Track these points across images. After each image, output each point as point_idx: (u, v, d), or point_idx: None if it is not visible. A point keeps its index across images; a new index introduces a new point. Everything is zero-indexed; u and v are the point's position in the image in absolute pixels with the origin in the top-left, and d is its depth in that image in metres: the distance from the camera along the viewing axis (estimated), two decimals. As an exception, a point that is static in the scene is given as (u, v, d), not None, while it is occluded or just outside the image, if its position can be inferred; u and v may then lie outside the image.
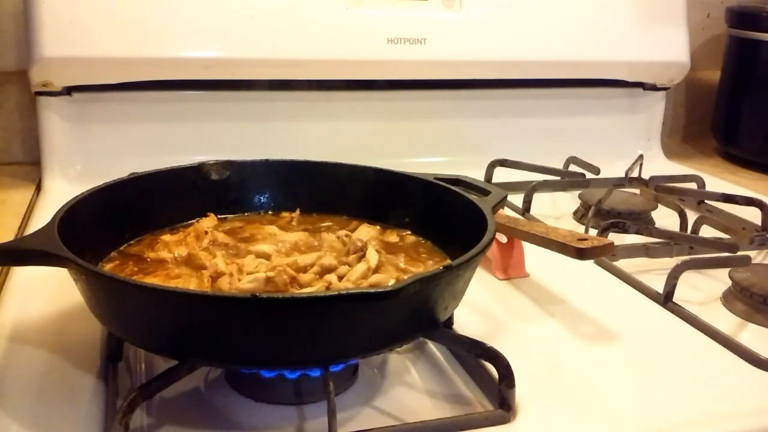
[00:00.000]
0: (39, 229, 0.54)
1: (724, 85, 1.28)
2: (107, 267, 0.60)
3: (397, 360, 0.60)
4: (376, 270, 0.57)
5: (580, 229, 0.84)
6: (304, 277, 0.56)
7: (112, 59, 0.90)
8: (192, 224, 0.67)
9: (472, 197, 0.64)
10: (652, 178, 1.03)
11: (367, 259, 0.58)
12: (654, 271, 0.76)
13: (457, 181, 0.68)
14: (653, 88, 1.19)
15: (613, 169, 1.05)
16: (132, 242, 0.64)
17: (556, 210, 0.96)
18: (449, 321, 0.60)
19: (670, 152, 1.23)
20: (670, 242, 0.80)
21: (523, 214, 0.92)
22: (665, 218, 0.90)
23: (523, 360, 0.56)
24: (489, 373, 0.55)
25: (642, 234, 0.79)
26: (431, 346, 0.61)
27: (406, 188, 0.69)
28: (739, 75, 1.25)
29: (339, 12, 0.97)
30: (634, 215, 0.89)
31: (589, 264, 0.79)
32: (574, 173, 1.03)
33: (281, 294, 0.53)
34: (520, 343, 0.62)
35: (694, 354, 0.62)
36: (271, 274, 0.54)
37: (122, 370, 0.56)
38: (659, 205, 0.92)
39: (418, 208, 0.68)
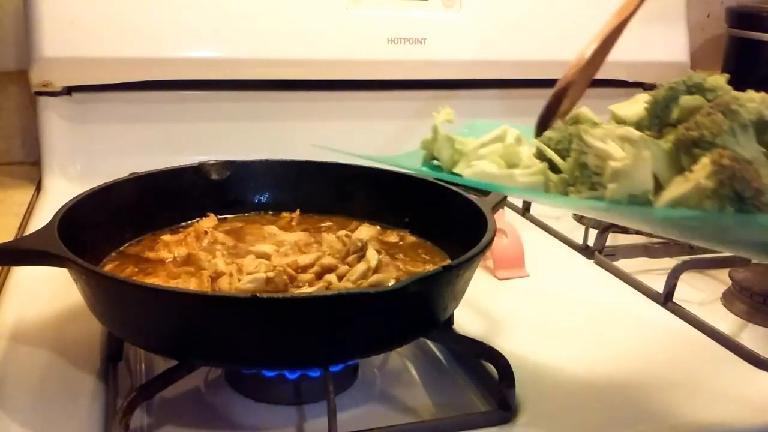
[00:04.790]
0: (39, 229, 0.54)
1: (724, 85, 1.28)
2: (107, 267, 0.60)
3: (397, 360, 0.60)
4: (376, 270, 0.57)
5: (580, 229, 0.84)
6: (304, 277, 0.56)
7: (112, 59, 0.90)
8: (192, 224, 0.67)
9: (472, 197, 0.64)
10: (652, 178, 1.03)
11: (367, 259, 0.58)
12: (654, 271, 0.77)
13: (457, 181, 0.68)
14: (653, 88, 1.19)
15: (613, 169, 1.05)
16: (132, 242, 0.64)
17: (556, 209, 0.96)
18: (449, 321, 0.60)
19: (670, 152, 1.23)
20: (670, 242, 0.80)
21: (523, 214, 0.92)
22: (665, 218, 0.90)
23: (523, 360, 0.56)
24: (489, 373, 0.55)
25: (642, 234, 0.79)
26: (431, 346, 0.61)
27: (406, 188, 0.69)
28: (739, 75, 1.24)
29: (339, 12, 0.97)
30: (634, 215, 0.89)
31: (590, 264, 0.79)
32: (574, 173, 1.03)
33: (281, 294, 0.53)
34: (520, 343, 0.62)
35: (694, 354, 0.62)
36: (271, 274, 0.54)
37: (122, 370, 0.56)
38: (659, 205, 0.92)
39: (418, 207, 0.68)
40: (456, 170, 0.50)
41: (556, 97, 0.48)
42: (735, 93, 0.44)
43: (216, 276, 0.56)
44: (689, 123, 0.41)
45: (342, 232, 0.64)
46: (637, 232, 0.79)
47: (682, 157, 0.41)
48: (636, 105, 0.48)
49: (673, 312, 0.68)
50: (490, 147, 0.51)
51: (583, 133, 0.45)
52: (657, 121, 0.46)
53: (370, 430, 0.49)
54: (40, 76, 0.90)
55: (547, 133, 0.49)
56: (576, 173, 0.44)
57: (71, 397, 0.53)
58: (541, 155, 0.49)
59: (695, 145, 0.41)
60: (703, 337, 0.64)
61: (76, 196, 0.60)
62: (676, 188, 0.40)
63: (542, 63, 1.08)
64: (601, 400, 0.55)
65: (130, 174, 0.69)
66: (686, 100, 0.45)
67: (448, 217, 0.65)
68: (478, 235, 0.55)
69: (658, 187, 0.41)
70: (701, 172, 0.39)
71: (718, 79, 0.45)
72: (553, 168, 0.48)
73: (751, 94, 0.44)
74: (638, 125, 0.47)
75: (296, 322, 0.47)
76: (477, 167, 0.48)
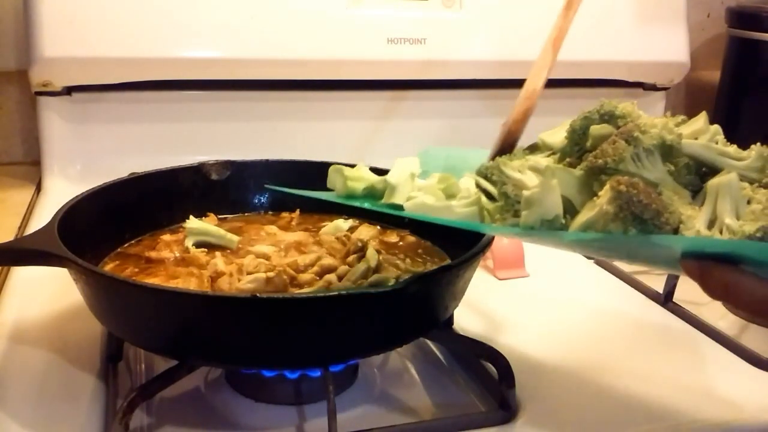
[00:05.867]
0: (39, 229, 0.54)
1: (724, 85, 1.28)
2: (107, 267, 0.60)
3: (397, 360, 0.60)
4: (376, 270, 0.57)
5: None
6: (304, 277, 0.56)
7: (112, 59, 0.90)
8: (192, 224, 0.67)
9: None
10: (652, 178, 1.03)
11: (367, 259, 0.58)
12: (654, 271, 0.76)
13: (457, 181, 0.68)
14: (653, 88, 1.19)
15: (613, 169, 1.05)
16: (132, 242, 0.64)
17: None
18: (449, 321, 0.60)
19: (670, 152, 1.23)
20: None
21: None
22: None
23: (523, 360, 0.56)
24: (489, 373, 0.55)
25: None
26: (431, 346, 0.61)
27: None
28: (739, 75, 1.25)
29: (339, 12, 0.97)
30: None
31: (589, 264, 0.79)
32: (574, 173, 1.03)
33: (281, 294, 0.53)
34: (520, 343, 0.62)
35: (694, 354, 0.62)
36: (271, 274, 0.54)
37: (122, 370, 0.56)
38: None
39: (418, 208, 0.68)
40: (385, 199, 0.53)
41: (511, 134, 0.51)
42: (641, 120, 0.46)
43: (216, 276, 0.56)
44: (597, 151, 0.44)
45: (342, 232, 0.64)
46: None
47: (593, 183, 0.44)
48: (562, 132, 0.51)
49: (673, 312, 0.68)
50: (428, 178, 0.53)
51: (501, 165, 0.48)
52: (577, 148, 0.49)
53: (370, 430, 0.49)
54: (40, 76, 0.90)
55: (484, 163, 0.52)
56: (501, 202, 0.47)
57: (71, 397, 0.53)
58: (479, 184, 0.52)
59: (602, 171, 0.43)
60: (703, 337, 0.64)
61: (76, 196, 0.60)
62: (586, 213, 0.43)
63: (542, 63, 1.08)
64: (601, 400, 0.55)
65: (130, 174, 0.69)
66: (596, 129, 0.47)
67: (448, 217, 0.65)
68: (478, 235, 0.55)
69: (575, 211, 0.44)
70: (604, 197, 0.41)
71: (628, 107, 0.48)
72: (492, 196, 0.50)
73: (653, 120, 0.47)
74: (563, 152, 0.50)
75: (296, 322, 0.47)
76: (417, 199, 0.50)
